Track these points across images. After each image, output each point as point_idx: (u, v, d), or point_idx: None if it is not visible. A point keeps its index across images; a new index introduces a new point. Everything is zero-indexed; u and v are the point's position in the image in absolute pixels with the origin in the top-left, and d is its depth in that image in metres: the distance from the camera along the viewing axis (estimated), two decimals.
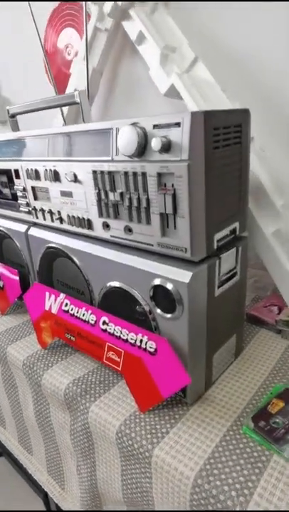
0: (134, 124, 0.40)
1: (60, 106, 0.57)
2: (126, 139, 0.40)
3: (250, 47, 0.65)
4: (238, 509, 0.36)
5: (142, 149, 0.40)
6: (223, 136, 0.41)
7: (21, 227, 0.66)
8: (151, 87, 0.82)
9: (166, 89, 0.65)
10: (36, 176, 0.57)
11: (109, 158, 0.44)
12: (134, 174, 0.42)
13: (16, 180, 0.63)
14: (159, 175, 0.40)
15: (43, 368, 0.58)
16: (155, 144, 0.37)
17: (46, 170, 0.55)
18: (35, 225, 0.65)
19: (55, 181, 0.54)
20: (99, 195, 0.48)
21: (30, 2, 0.81)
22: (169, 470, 0.41)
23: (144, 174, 0.41)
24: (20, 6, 1.05)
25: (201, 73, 0.65)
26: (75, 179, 0.50)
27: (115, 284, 0.51)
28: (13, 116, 0.70)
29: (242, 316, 0.57)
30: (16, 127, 0.71)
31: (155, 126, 0.38)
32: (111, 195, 0.46)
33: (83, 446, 0.54)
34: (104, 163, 0.45)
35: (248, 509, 0.36)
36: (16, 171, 0.61)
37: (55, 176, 0.53)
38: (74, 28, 0.91)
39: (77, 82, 0.84)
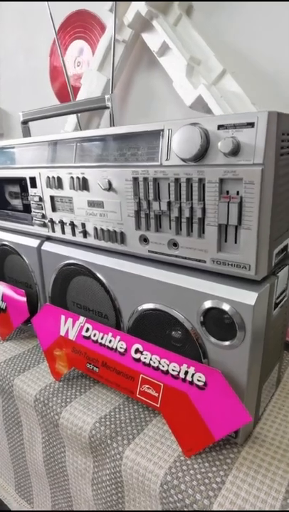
0: (194, 125, 0.35)
1: (88, 110, 0.52)
2: (186, 141, 0.35)
3: (279, 60, 0.64)
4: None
5: (202, 152, 0.35)
6: (288, 142, 0.37)
7: (33, 242, 0.59)
8: (168, 101, 0.80)
9: (192, 100, 0.63)
10: (59, 184, 0.51)
11: (158, 163, 0.39)
12: (188, 181, 0.38)
13: (31, 190, 0.57)
14: (221, 181, 0.35)
15: (61, 405, 0.50)
16: (225, 145, 0.33)
17: (72, 178, 0.49)
18: (48, 239, 0.59)
19: (83, 190, 0.49)
20: (139, 205, 0.43)
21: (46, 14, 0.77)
22: None
23: (200, 180, 0.37)
24: (24, 25, 1.03)
25: (228, 86, 0.62)
26: (109, 187, 0.45)
27: (152, 306, 0.45)
28: (25, 122, 0.65)
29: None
30: (27, 135, 0.66)
31: (220, 127, 0.34)
32: (155, 205, 0.41)
33: (109, 499, 0.45)
34: (150, 169, 0.40)
35: None
36: (33, 180, 0.55)
37: (84, 185, 0.48)
38: (84, 40, 0.89)
39: (87, 94, 0.81)
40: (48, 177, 0.52)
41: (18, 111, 1.19)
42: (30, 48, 1.07)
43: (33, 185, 0.56)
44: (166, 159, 0.39)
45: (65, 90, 0.95)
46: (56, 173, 0.51)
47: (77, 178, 0.48)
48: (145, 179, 0.41)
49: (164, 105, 0.80)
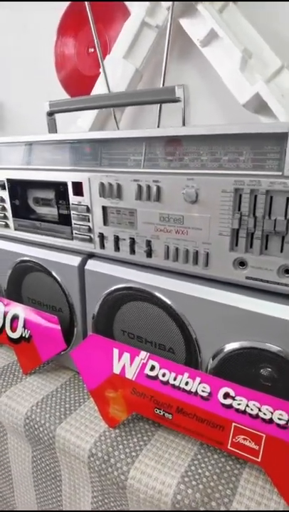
0: None
1: (153, 103, 0.44)
2: None
3: None
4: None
5: None
6: None
7: (72, 260, 0.49)
8: (199, 98, 0.72)
9: (248, 98, 0.56)
10: (118, 193, 0.42)
11: (277, 173, 0.32)
12: None
13: (73, 198, 0.47)
14: None
15: (126, 461, 0.41)
16: None
17: (140, 186, 0.40)
18: (91, 256, 0.49)
19: (154, 201, 0.40)
20: (241, 222, 0.35)
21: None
22: None
23: None
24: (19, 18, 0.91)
25: (286, 83, 0.56)
26: (196, 199, 0.37)
27: (247, 344, 0.37)
28: (51, 114, 0.54)
29: None
30: (53, 129, 0.55)
31: None
32: (267, 224, 0.34)
33: None
34: (262, 179, 0.33)
35: None
36: (77, 185, 0.46)
37: (157, 195, 0.39)
38: (102, 24, 0.78)
39: (111, 83, 0.71)
40: (102, 183, 0.43)
41: (10, 99, 1.06)
42: (23, 30, 0.94)
43: (78, 192, 0.46)
44: None
45: (73, 79, 0.84)
46: (115, 180, 0.42)
47: (148, 186, 0.40)
48: (252, 191, 0.34)
49: (194, 103, 0.72)
